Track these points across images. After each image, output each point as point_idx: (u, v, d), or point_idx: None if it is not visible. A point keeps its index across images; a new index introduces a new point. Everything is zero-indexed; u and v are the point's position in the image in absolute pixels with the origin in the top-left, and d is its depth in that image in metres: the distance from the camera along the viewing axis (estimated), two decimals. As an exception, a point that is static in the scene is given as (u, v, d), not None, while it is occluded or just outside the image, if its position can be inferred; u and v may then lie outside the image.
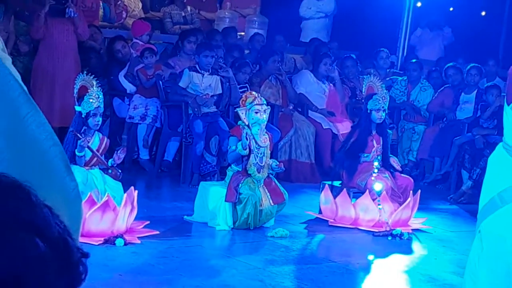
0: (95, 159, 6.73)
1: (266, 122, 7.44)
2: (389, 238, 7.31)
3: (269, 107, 7.63)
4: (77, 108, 6.78)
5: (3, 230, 1.05)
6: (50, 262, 1.07)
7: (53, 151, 1.53)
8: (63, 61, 9.34)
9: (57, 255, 1.09)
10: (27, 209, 1.09)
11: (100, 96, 6.82)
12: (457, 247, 7.20)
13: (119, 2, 11.42)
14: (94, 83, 6.85)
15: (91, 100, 6.71)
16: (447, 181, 10.11)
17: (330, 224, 7.64)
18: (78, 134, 6.64)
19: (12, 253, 1.05)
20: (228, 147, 7.51)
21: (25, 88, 1.53)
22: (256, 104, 7.29)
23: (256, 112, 7.26)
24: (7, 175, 1.11)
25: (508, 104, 4.06)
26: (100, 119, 6.87)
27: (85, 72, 7.12)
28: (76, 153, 6.63)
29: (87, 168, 6.67)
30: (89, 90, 6.78)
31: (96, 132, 6.86)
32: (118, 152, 6.95)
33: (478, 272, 4.09)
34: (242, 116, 7.31)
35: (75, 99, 6.87)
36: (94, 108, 6.72)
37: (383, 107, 7.99)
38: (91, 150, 6.71)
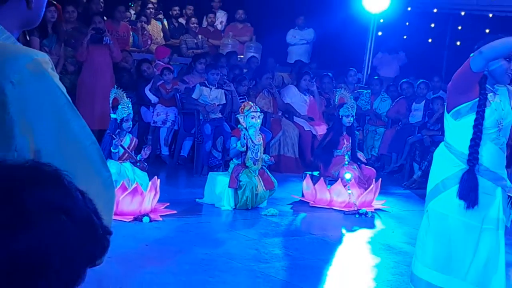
0: (126, 154, 6.73)
1: (260, 126, 7.43)
2: (357, 216, 7.31)
3: (262, 114, 7.63)
4: (113, 116, 6.77)
5: (38, 211, 1.05)
6: (74, 236, 1.07)
7: (91, 148, 1.52)
8: (101, 78, 9.30)
9: (82, 230, 1.08)
10: (61, 194, 1.08)
11: (130, 105, 6.82)
12: (409, 223, 7.20)
13: (145, 32, 11.39)
14: (124, 95, 6.84)
15: (124, 109, 6.71)
16: (402, 171, 10.10)
17: (310, 205, 7.64)
18: (113, 135, 6.64)
19: (43, 231, 1.04)
20: (230, 145, 7.50)
21: (69, 98, 1.52)
22: (252, 112, 7.29)
23: (252, 118, 7.26)
24: (50, 164, 1.11)
25: (448, 112, 4.05)
26: (131, 123, 6.86)
27: (115, 87, 7.10)
28: (112, 150, 6.63)
29: (120, 162, 6.67)
30: (120, 102, 6.77)
31: (128, 133, 6.86)
32: (145, 149, 6.95)
33: (426, 243, 4.07)
34: (241, 120, 7.31)
35: (110, 108, 6.85)
36: (126, 115, 6.73)
37: (351, 113, 7.98)
38: (123, 148, 6.70)
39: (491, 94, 3.98)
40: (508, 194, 4.03)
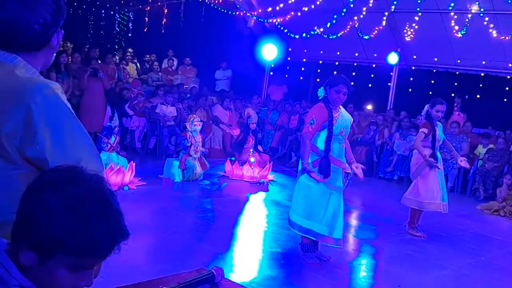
0: (112, 148, 6.56)
1: (200, 129, 7.41)
2: (258, 184, 7.38)
3: (202, 122, 7.60)
4: (108, 124, 6.57)
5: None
6: (114, 216, 1.15)
7: (89, 143, 1.49)
8: (96, 99, 8.98)
9: (118, 220, 1.17)
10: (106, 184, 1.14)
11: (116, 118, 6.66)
12: (289, 188, 7.29)
13: (125, 70, 11.01)
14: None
15: (116, 120, 6.56)
16: (285, 157, 10.21)
17: (230, 178, 7.65)
18: (102, 136, 6.44)
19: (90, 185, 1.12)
20: (181, 142, 7.43)
21: (73, 112, 1.49)
22: (195, 121, 7.30)
23: (195, 125, 7.25)
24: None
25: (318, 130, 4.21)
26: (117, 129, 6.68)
27: (110, 107, 6.88)
28: (102, 145, 6.45)
29: (109, 152, 6.49)
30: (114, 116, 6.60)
31: (113, 134, 6.66)
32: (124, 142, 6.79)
33: (298, 201, 4.19)
34: (188, 126, 7.28)
35: (109, 119, 6.63)
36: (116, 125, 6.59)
37: (255, 122, 7.95)
38: (110, 144, 6.52)
39: (337, 114, 4.15)
40: (346, 171, 4.23)
